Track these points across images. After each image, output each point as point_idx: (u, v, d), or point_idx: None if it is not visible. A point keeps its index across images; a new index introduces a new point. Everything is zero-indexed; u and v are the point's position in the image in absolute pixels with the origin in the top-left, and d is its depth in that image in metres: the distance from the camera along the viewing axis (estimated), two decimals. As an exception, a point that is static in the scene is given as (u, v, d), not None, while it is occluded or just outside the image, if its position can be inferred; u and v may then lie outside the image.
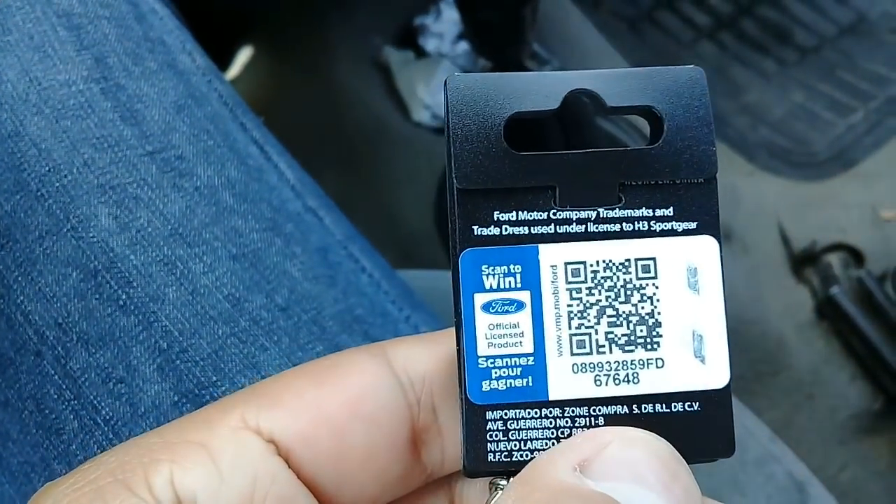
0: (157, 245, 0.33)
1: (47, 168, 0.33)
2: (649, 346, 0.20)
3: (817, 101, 0.97)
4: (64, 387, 0.32)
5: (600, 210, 0.21)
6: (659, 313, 0.20)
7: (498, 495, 0.20)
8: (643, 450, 0.19)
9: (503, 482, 0.20)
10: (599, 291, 0.20)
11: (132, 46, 0.36)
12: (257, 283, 0.34)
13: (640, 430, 0.19)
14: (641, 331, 0.20)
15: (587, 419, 0.20)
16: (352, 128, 0.86)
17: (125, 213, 0.33)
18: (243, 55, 0.96)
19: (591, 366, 0.20)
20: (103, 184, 0.33)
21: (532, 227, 0.20)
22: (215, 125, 0.37)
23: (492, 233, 0.20)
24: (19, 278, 0.32)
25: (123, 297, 0.32)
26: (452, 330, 0.21)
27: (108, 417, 0.31)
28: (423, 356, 0.22)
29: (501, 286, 0.20)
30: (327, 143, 0.86)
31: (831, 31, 1.03)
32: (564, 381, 0.20)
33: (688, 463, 0.19)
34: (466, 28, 0.84)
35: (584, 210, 0.20)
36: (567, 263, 0.20)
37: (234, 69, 0.94)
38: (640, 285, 0.21)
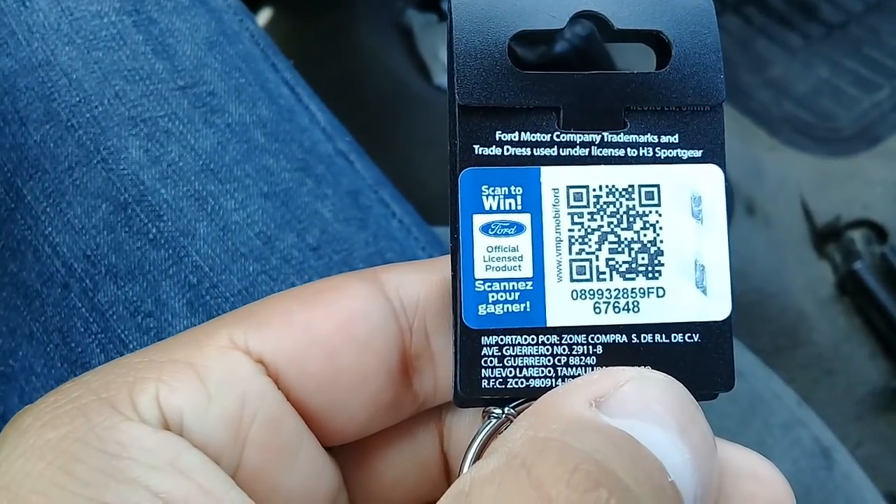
0: (188, 180, 0.32)
1: (78, 98, 0.32)
2: (650, 275, 0.20)
3: (843, 76, 0.96)
4: (91, 320, 0.31)
5: (605, 134, 0.20)
6: (661, 241, 0.20)
7: (492, 424, 0.20)
8: (661, 390, 0.18)
9: (497, 410, 0.20)
10: (601, 217, 0.20)
11: (164, -19, 0.35)
12: (288, 222, 0.33)
13: (658, 371, 0.19)
14: (643, 258, 0.20)
15: (585, 347, 0.20)
16: (372, 90, 0.86)
17: (156, 147, 0.32)
18: (262, 16, 0.95)
19: (591, 293, 0.20)
20: (134, 116, 0.32)
21: (535, 149, 0.20)
22: (247, 63, 0.36)
23: (493, 152, 0.20)
24: (48, 209, 0.32)
25: (153, 230, 0.32)
26: (447, 257, 0.20)
27: (135, 351, 0.31)
28: (416, 281, 0.21)
29: (501, 208, 0.20)
30: (347, 106, 0.85)
31: (858, 7, 1.01)
32: (563, 308, 0.20)
33: None
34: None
35: (588, 133, 0.20)
36: (569, 187, 0.20)
37: (254, 29, 0.93)
38: (643, 212, 0.20)
